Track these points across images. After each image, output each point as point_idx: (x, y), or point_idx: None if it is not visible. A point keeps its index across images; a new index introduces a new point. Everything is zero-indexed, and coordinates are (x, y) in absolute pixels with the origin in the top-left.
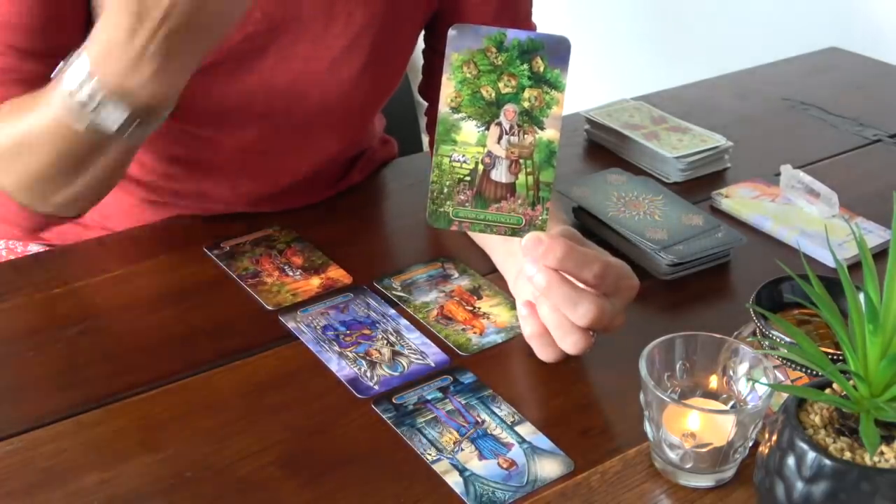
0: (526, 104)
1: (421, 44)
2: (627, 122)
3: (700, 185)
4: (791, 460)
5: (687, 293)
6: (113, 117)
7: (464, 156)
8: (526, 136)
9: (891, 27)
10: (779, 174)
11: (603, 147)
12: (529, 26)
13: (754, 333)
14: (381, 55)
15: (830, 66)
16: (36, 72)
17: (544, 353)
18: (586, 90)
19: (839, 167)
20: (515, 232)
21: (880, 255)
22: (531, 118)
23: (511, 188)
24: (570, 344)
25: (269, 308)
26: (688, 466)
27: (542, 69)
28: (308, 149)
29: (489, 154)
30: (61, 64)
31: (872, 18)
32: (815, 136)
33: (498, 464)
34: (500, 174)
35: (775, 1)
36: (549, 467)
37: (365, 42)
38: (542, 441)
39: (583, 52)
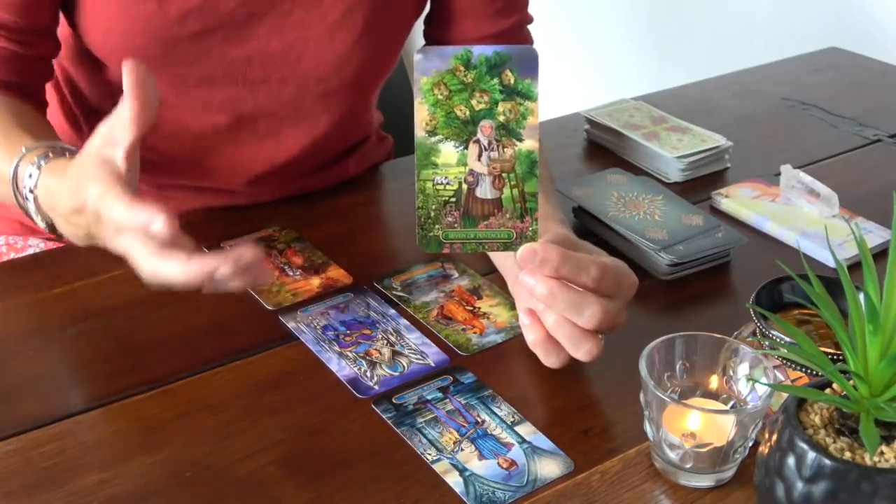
0: (501, 118)
1: (421, 41)
2: (627, 122)
3: (700, 185)
4: (791, 460)
5: (687, 293)
6: (40, 223)
7: (446, 178)
8: (505, 149)
9: (891, 27)
10: (779, 174)
11: (603, 147)
12: (525, 15)
13: (754, 333)
14: (376, 28)
15: (830, 66)
16: (4, 47)
17: (549, 360)
18: (586, 90)
19: (839, 167)
20: (507, 246)
21: (880, 255)
22: (508, 131)
23: (497, 203)
24: (584, 352)
25: (269, 308)
26: (688, 466)
27: (512, 81)
28: (304, 123)
29: (471, 172)
30: (26, 158)
31: (872, 18)
32: (815, 136)
33: (498, 464)
34: (484, 191)
35: (775, 1)
36: (549, 467)
37: (360, 13)
38: (542, 441)
39: (583, 53)
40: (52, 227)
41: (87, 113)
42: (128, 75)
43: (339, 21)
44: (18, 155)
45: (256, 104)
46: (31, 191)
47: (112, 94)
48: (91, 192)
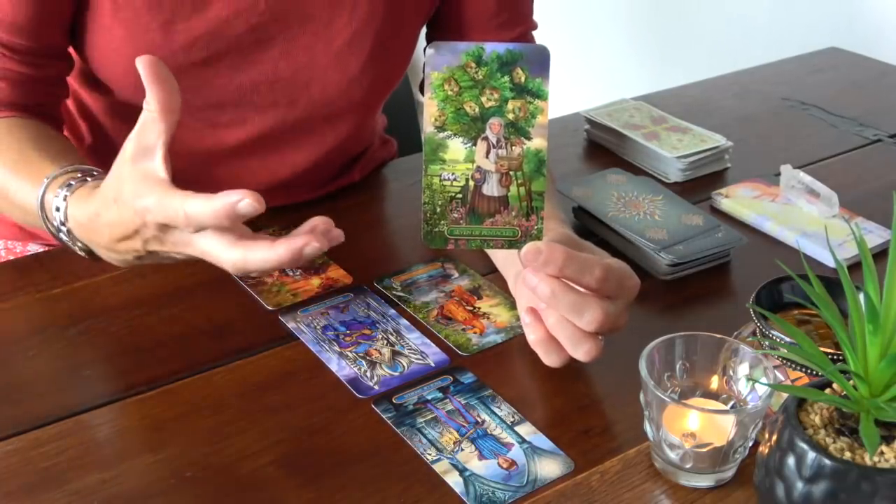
0: (511, 116)
1: (422, 42)
2: (627, 122)
3: (700, 185)
4: (791, 460)
5: (687, 293)
6: (79, 251)
7: (453, 174)
8: (514, 147)
9: (891, 27)
10: (779, 174)
11: (603, 147)
12: (530, 25)
13: (754, 333)
14: (384, 49)
15: (830, 66)
16: (18, 70)
17: (549, 359)
18: (586, 90)
19: (839, 167)
20: (512, 244)
21: (880, 255)
22: (517, 129)
23: (504, 201)
24: (583, 353)
25: (269, 308)
26: (688, 466)
27: (523, 80)
28: (310, 141)
29: (479, 169)
30: (46, 184)
31: (872, 18)
32: (815, 136)
33: (498, 464)
34: (491, 188)
35: (775, 1)
36: (549, 467)
37: (368, 35)
38: (542, 441)
39: (583, 53)
40: (90, 253)
41: (92, 127)
42: (145, 69)
43: (346, 46)
44: (41, 186)
45: (264, 126)
46: (63, 223)
47: (119, 114)
48: (147, 208)
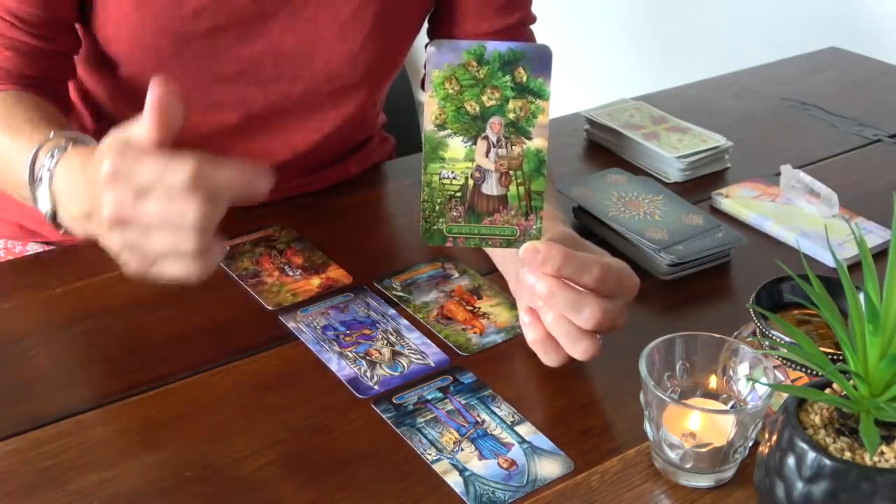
0: (511, 115)
1: (423, 37)
2: (627, 122)
3: (700, 185)
4: (791, 460)
5: (687, 293)
6: (43, 206)
7: (453, 172)
8: (514, 147)
9: (891, 27)
10: (779, 174)
11: (603, 147)
12: (528, 14)
13: (754, 333)
14: (387, 24)
15: (830, 66)
16: (25, 41)
17: (548, 359)
18: (586, 90)
19: (839, 167)
20: (511, 243)
21: (880, 255)
22: (518, 129)
23: (503, 200)
24: (581, 351)
25: (269, 308)
26: (688, 466)
27: (525, 79)
28: (312, 119)
29: (478, 168)
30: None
31: (872, 18)
32: (815, 136)
33: (498, 464)
34: (490, 187)
35: (775, 1)
36: (549, 467)
37: (371, 9)
38: (542, 441)
39: (583, 53)
40: (53, 215)
41: (96, 114)
42: (153, 92)
43: (350, 17)
44: (44, 138)
45: (267, 102)
46: (49, 170)
47: (123, 95)
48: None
